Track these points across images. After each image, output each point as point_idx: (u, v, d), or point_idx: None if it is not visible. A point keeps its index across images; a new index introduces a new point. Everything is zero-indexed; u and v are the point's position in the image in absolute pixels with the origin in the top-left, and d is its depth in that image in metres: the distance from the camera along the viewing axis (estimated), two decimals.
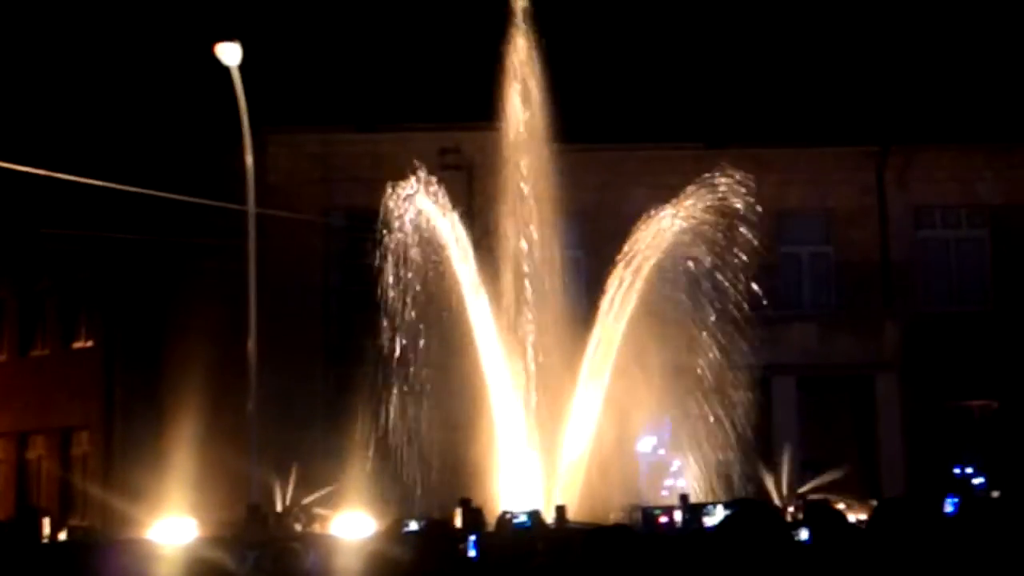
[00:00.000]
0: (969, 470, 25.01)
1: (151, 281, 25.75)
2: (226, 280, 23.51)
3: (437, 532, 7.58)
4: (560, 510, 17.91)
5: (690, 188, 21.67)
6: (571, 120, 26.94)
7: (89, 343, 27.78)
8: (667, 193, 22.36)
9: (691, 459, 21.42)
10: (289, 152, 26.21)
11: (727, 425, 21.08)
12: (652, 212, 21.74)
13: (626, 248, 21.74)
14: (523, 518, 13.78)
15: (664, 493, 21.93)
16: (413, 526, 11.45)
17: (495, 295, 22.19)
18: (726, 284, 21.56)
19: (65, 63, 26.88)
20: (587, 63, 27.08)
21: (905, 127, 27.66)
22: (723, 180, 21.61)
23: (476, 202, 25.53)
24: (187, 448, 21.36)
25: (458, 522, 16.22)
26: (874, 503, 17.76)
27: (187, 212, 23.22)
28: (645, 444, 22.46)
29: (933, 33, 28.01)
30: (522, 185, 22.89)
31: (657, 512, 17.67)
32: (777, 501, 21.07)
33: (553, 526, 16.13)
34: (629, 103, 27.13)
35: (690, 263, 21.68)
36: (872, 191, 27.93)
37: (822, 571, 5.93)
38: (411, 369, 21.34)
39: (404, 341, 21.41)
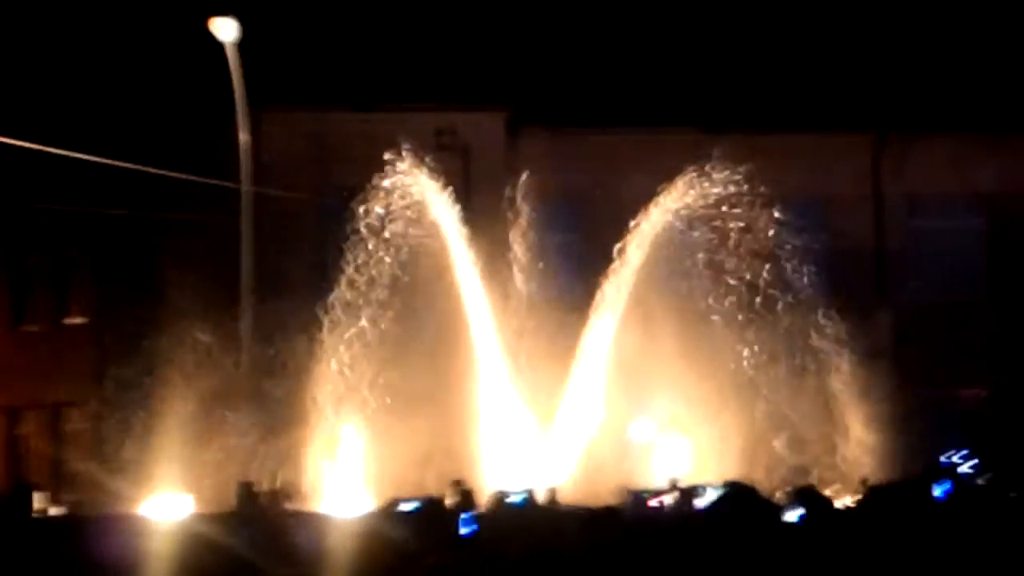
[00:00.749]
0: (956, 458, 25.11)
1: (144, 257, 25.70)
2: (219, 257, 23.48)
3: (432, 511, 7.61)
4: (552, 492, 17.97)
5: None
6: (568, 104, 26.94)
7: (81, 319, 27.75)
8: (664, 178, 22.37)
9: (684, 442, 21.49)
10: (284, 130, 26.14)
11: (723, 409, 21.15)
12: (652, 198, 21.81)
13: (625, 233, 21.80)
14: (517, 498, 13.82)
15: (660, 476, 21.98)
16: (406, 506, 11.46)
17: (488, 276, 22.21)
18: (726, 270, 21.64)
19: (59, 38, 26.78)
20: (584, 48, 27.06)
21: (903, 115, 27.67)
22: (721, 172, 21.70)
23: (471, 182, 25.53)
24: (180, 425, 21.37)
25: (449, 502, 16.26)
26: (863, 488, 17.83)
27: (181, 189, 23.18)
28: (638, 427, 22.51)
29: (931, 21, 28.00)
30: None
31: (647, 495, 17.72)
32: (767, 486, 21.12)
33: (545, 507, 16.18)
34: (626, 88, 27.11)
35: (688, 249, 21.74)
36: (868, 178, 27.96)
37: (812, 551, 5.98)
38: (400, 347, 21.39)
39: (394, 320, 21.45)
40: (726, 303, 22.01)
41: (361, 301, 21.82)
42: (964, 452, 25.04)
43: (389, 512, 11.40)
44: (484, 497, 16.90)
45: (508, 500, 13.12)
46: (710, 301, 21.86)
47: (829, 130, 27.59)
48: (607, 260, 22.35)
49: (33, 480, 25.65)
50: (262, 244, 23.86)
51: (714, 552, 5.17)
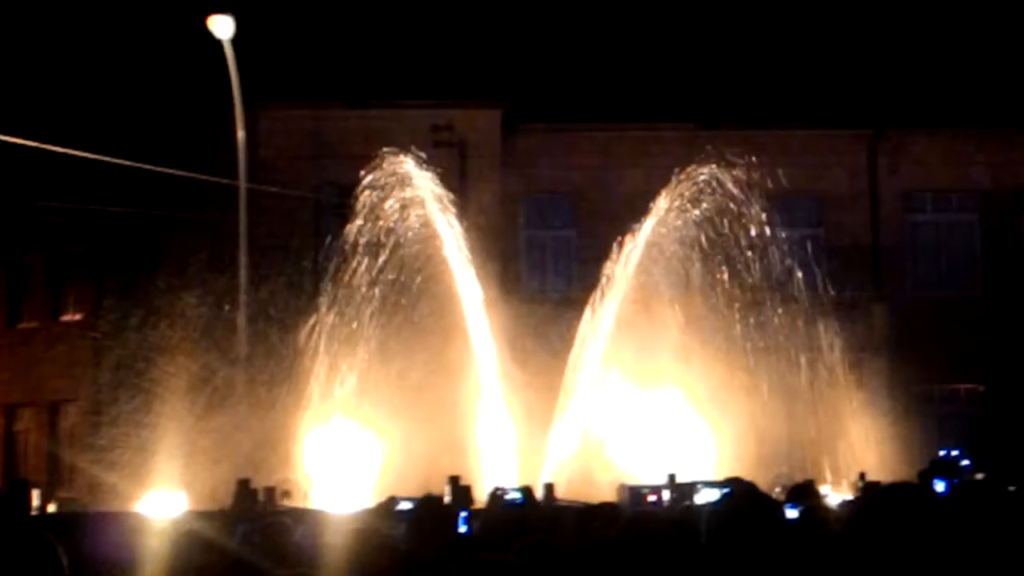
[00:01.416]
0: (955, 453, 25.12)
1: (140, 254, 25.69)
2: (216, 254, 23.47)
3: (432, 508, 7.61)
4: (549, 488, 17.97)
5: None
6: (564, 100, 26.94)
7: (77, 316, 27.73)
8: (660, 174, 22.38)
9: (682, 438, 21.49)
10: (281, 127, 26.15)
11: (720, 405, 21.14)
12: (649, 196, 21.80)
13: (621, 228, 21.79)
14: (515, 495, 13.82)
15: (657, 473, 21.98)
16: (404, 505, 11.46)
17: (484, 271, 22.20)
18: (721, 265, 21.62)
19: (57, 35, 26.74)
20: (580, 44, 27.05)
21: (898, 110, 27.69)
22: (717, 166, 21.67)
23: (468, 178, 25.53)
24: (176, 422, 21.36)
25: (447, 499, 16.27)
26: (859, 484, 17.85)
27: (178, 186, 23.16)
28: (635, 423, 22.50)
29: (927, 16, 28.00)
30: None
31: (645, 491, 17.70)
32: (764, 482, 21.12)
33: (542, 504, 16.17)
34: (622, 84, 27.11)
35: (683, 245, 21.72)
36: (864, 174, 27.98)
37: (810, 548, 5.97)
38: (396, 343, 21.38)
39: (390, 316, 21.44)
40: (721, 299, 22.01)
41: (358, 297, 21.82)
42: (960, 447, 25.07)
43: (386, 510, 11.40)
44: (481, 494, 16.93)
45: (508, 497, 13.14)
46: (705, 296, 21.86)
47: (825, 126, 27.62)
48: (603, 255, 22.35)
49: (29, 477, 25.62)
50: (259, 240, 23.85)
51: (715, 550, 5.17)
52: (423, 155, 22.13)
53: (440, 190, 22.18)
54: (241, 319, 22.29)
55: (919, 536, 4.63)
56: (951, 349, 26.42)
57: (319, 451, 21.24)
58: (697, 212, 21.91)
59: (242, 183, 23.18)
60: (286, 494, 18.76)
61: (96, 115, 25.43)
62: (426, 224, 22.17)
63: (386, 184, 22.04)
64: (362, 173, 21.81)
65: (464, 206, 22.94)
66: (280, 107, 25.81)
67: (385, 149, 21.92)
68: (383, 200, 22.00)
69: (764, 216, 22.52)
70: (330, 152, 25.67)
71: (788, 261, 22.65)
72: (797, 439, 22.08)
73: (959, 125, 27.72)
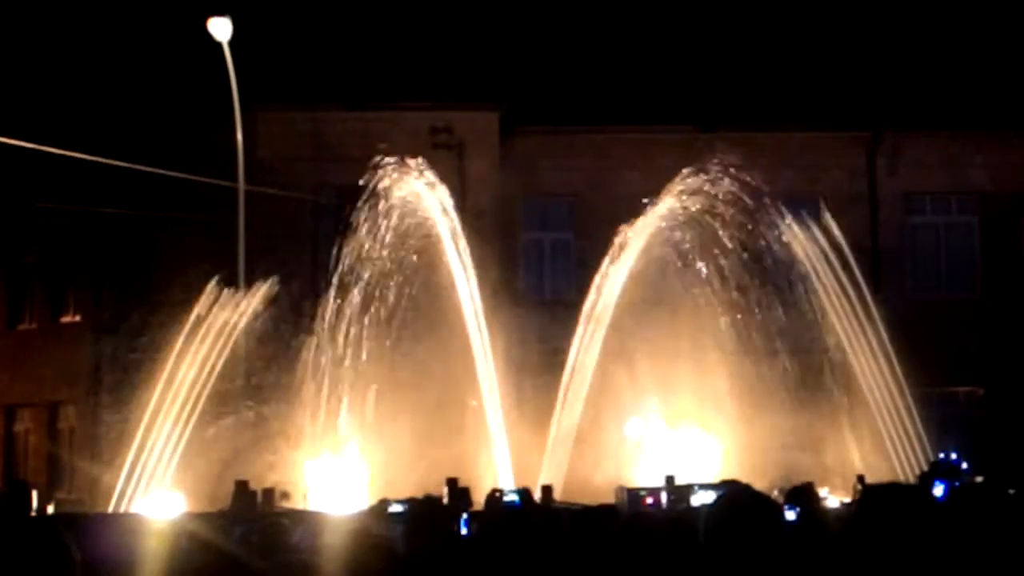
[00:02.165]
0: (954, 456, 25.12)
1: (139, 256, 25.70)
2: (214, 256, 23.47)
3: (429, 510, 7.60)
4: (547, 490, 17.97)
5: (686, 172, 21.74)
6: (563, 102, 26.94)
7: (77, 317, 27.74)
8: (658, 176, 22.38)
9: (680, 440, 21.50)
10: (279, 129, 26.15)
11: (718, 407, 21.15)
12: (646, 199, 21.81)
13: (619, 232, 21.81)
14: (513, 497, 13.82)
15: (655, 475, 21.99)
16: (396, 507, 11.45)
17: (483, 273, 22.21)
18: (722, 267, 21.63)
19: (56, 37, 26.74)
20: (579, 46, 27.06)
21: (897, 112, 27.69)
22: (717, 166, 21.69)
23: (466, 180, 25.53)
24: (174, 423, 21.36)
25: (445, 501, 16.28)
26: (858, 487, 17.86)
27: (176, 188, 23.17)
28: (633, 424, 22.52)
29: (925, 19, 28.01)
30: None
31: (643, 492, 17.71)
32: (762, 484, 21.13)
33: (540, 506, 16.18)
34: (621, 86, 27.12)
35: (682, 246, 21.73)
36: (862, 176, 27.97)
37: (808, 550, 5.96)
38: (393, 344, 21.39)
39: (389, 318, 21.44)
40: (720, 301, 22.02)
41: (356, 299, 21.83)
42: (959, 450, 25.07)
43: (385, 511, 11.40)
44: (480, 496, 16.93)
45: (506, 499, 13.13)
46: (704, 299, 21.87)
47: (823, 128, 27.61)
48: (602, 257, 22.36)
49: (29, 478, 25.62)
50: (257, 242, 23.85)
51: (713, 551, 5.16)
52: (422, 156, 22.14)
53: (438, 192, 22.18)
54: (240, 319, 22.28)
55: (916, 537, 4.63)
56: (950, 351, 26.40)
57: (318, 452, 21.24)
58: (695, 214, 21.91)
59: (241, 185, 23.20)
60: (284, 495, 18.77)
61: (95, 117, 25.44)
62: (424, 226, 22.18)
63: (384, 187, 22.05)
64: (363, 180, 21.84)
65: (462, 208, 22.95)
66: (278, 109, 25.81)
67: (382, 151, 21.92)
68: (381, 203, 22.00)
69: (762, 219, 22.54)
70: (328, 154, 25.68)
71: (786, 264, 22.67)
72: (795, 442, 22.09)
73: (958, 127, 27.72)
